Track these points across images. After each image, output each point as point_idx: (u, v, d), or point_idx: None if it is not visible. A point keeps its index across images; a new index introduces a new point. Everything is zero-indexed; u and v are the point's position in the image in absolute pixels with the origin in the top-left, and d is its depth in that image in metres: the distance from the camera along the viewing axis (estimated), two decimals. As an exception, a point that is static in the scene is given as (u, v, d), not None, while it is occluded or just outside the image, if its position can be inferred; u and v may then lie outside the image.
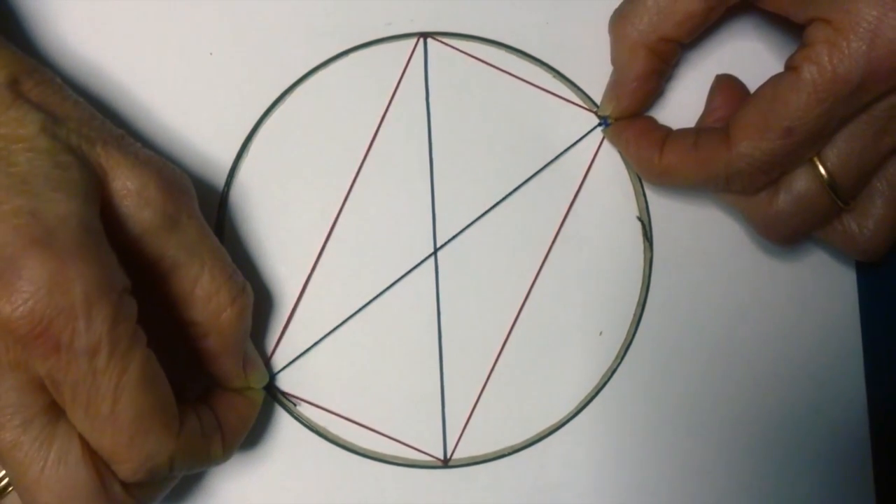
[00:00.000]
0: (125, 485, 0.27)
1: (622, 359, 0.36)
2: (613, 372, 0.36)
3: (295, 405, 0.35)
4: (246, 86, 0.36)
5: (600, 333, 0.36)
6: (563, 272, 0.36)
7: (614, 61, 0.36)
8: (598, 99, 0.37)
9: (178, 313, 0.30)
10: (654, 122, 0.36)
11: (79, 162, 0.27)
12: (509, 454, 0.36)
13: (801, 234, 0.34)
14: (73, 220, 0.25)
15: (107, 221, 0.27)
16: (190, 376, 0.30)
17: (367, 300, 0.35)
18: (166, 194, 0.28)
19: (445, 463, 0.35)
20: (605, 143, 0.37)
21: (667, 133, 0.35)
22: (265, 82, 0.36)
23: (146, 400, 0.26)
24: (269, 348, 0.35)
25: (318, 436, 0.35)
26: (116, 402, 0.26)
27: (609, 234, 0.37)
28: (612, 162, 0.37)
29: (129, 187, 0.28)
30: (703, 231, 0.37)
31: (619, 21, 0.35)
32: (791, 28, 0.33)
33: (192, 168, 0.35)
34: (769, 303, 0.37)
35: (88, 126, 0.28)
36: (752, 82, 0.34)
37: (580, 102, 0.37)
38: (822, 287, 0.38)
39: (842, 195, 0.32)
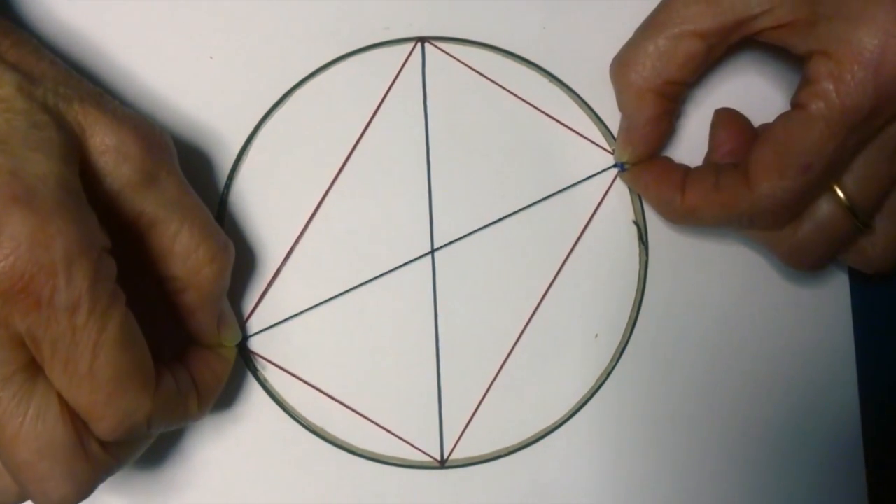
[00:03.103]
0: (102, 443, 0.27)
1: (617, 361, 0.37)
2: (609, 374, 0.37)
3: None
4: (246, 90, 0.36)
5: (596, 336, 0.37)
6: (559, 275, 0.37)
7: (622, 108, 0.36)
8: (594, 103, 0.38)
9: (157, 268, 0.30)
10: (670, 162, 0.37)
11: (56, 121, 0.27)
12: (505, 455, 0.36)
13: (826, 259, 0.35)
14: (52, 179, 0.25)
15: (86, 178, 0.27)
16: (165, 336, 0.30)
17: (362, 298, 0.36)
18: (145, 150, 0.28)
19: (442, 464, 0.36)
20: (601, 147, 0.38)
21: (685, 173, 0.35)
22: (265, 86, 0.36)
23: (124, 358, 0.26)
24: (262, 338, 0.35)
25: (316, 436, 0.35)
26: (95, 360, 0.26)
27: (605, 237, 0.37)
28: (608, 167, 0.38)
29: (107, 143, 0.28)
30: (697, 235, 0.38)
31: (621, 69, 0.35)
32: (792, 58, 0.33)
33: (192, 171, 0.35)
34: (763, 305, 0.38)
35: (65, 84, 0.28)
36: (755, 111, 0.36)
37: (577, 107, 0.38)
38: (816, 290, 0.38)
39: (862, 217, 0.33)
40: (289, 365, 0.35)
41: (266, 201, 0.36)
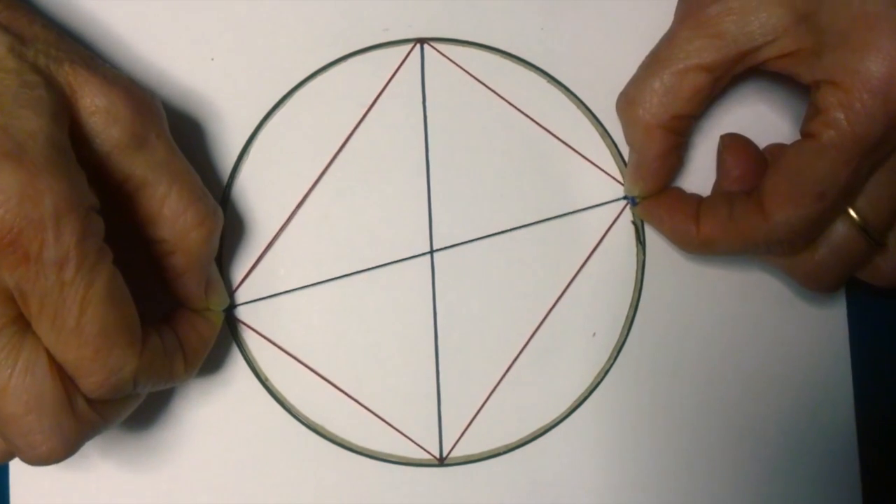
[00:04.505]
0: (90, 401, 0.27)
1: (615, 359, 0.37)
2: (606, 372, 0.37)
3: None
4: (247, 90, 0.36)
5: (594, 334, 0.37)
6: (557, 274, 0.37)
7: (631, 144, 0.36)
8: (593, 104, 0.38)
9: (146, 231, 0.30)
10: (682, 193, 0.37)
11: (46, 82, 0.27)
12: (504, 453, 0.36)
13: (843, 280, 0.35)
14: (41, 136, 0.26)
15: (76, 138, 0.27)
16: (153, 299, 0.31)
17: (361, 293, 0.36)
18: (135, 113, 0.28)
19: (441, 462, 0.36)
20: (600, 149, 0.38)
21: (698, 203, 0.35)
22: (265, 87, 0.36)
23: (111, 315, 0.26)
24: (262, 330, 0.36)
25: (317, 434, 0.35)
26: (82, 315, 0.26)
27: (603, 237, 0.38)
28: (607, 166, 0.38)
29: (97, 104, 0.28)
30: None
31: (628, 106, 0.35)
32: (797, 85, 0.34)
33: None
34: (759, 305, 0.38)
35: (56, 47, 0.28)
36: (761, 138, 0.36)
37: (575, 107, 0.38)
38: (812, 293, 0.38)
39: (876, 237, 0.33)
40: (290, 351, 0.36)
41: (267, 199, 0.36)
